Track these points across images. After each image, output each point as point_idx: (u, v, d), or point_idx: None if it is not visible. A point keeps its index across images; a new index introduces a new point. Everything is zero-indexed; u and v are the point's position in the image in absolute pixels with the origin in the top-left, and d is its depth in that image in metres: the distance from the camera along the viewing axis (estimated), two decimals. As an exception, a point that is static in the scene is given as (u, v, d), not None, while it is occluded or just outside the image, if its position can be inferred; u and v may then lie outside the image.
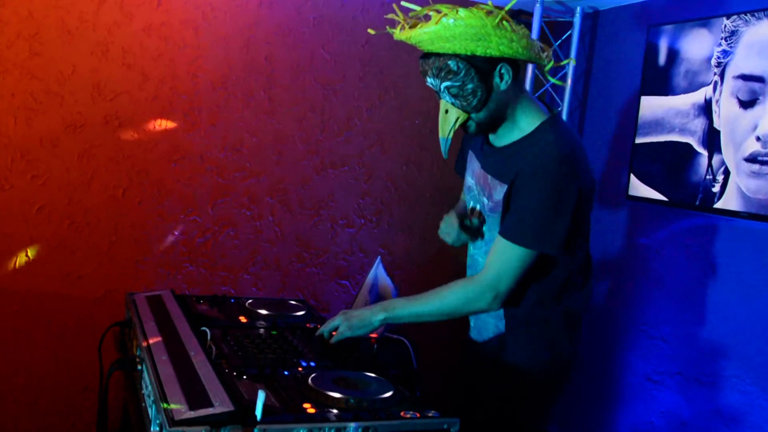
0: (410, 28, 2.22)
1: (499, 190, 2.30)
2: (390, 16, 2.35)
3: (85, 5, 3.30)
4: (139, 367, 2.24)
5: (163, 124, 3.49)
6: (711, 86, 3.18)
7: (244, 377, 2.03)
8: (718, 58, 3.15)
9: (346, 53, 3.83)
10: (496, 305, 2.29)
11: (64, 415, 3.47)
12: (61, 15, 3.27)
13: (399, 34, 2.28)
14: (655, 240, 3.50)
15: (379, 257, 2.85)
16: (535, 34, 3.85)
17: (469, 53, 2.14)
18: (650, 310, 3.51)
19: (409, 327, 2.49)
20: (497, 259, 2.26)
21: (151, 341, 2.25)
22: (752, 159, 2.97)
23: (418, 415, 1.91)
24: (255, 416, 1.72)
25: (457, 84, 2.19)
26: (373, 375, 2.14)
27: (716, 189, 3.12)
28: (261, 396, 1.74)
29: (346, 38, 3.82)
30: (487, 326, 2.54)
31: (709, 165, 3.16)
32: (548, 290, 2.38)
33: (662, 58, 3.46)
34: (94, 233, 3.42)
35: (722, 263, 3.17)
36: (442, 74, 2.20)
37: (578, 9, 3.89)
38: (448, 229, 2.60)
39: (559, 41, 4.06)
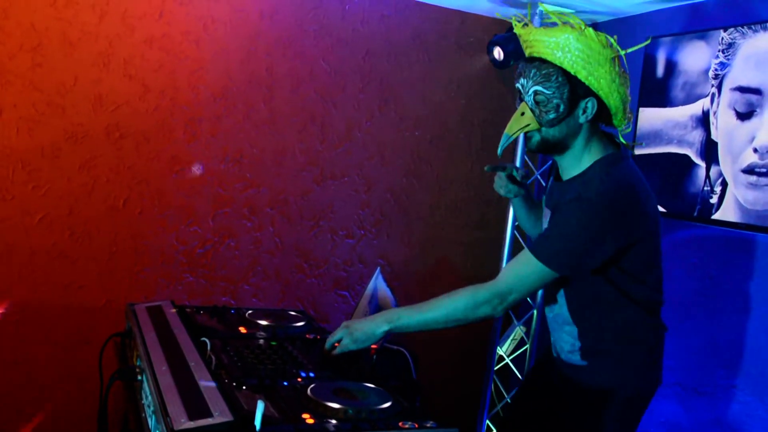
0: (534, 28, 2.28)
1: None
2: (518, 15, 2.42)
3: (87, 17, 3.32)
4: (140, 377, 2.25)
5: (164, 135, 3.51)
6: (708, 98, 3.20)
7: (244, 388, 2.04)
8: (716, 70, 3.17)
9: (346, 65, 3.85)
10: (500, 313, 2.30)
11: (64, 425, 3.47)
12: (63, 27, 3.29)
13: (520, 28, 2.33)
14: (654, 251, 3.51)
15: (378, 268, 2.86)
16: (534, 46, 3.87)
17: (573, 72, 2.19)
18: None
19: (409, 338, 2.50)
20: (514, 267, 2.29)
21: (151, 351, 2.26)
22: (749, 170, 2.98)
23: (417, 425, 1.92)
24: (254, 426, 1.73)
25: (548, 93, 2.22)
26: (372, 386, 2.15)
27: (714, 200, 3.13)
28: (260, 406, 1.75)
29: (347, 50, 3.85)
30: (563, 352, 2.53)
31: (707, 176, 3.18)
32: (628, 322, 2.41)
33: (660, 70, 3.48)
34: (95, 243, 3.44)
35: (720, 274, 3.18)
36: (538, 78, 2.23)
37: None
38: (501, 182, 2.69)
39: (558, 53, 4.07)
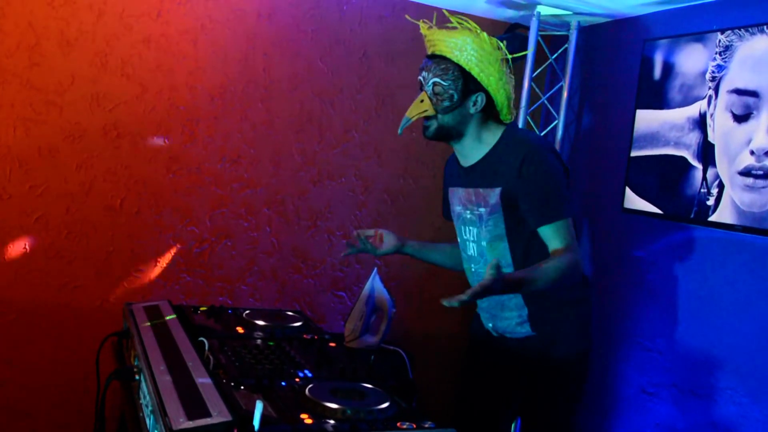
0: (439, 28, 2.64)
1: (493, 194, 2.60)
2: (423, 20, 2.76)
3: (84, 16, 3.32)
4: (137, 377, 2.26)
5: (161, 135, 3.51)
6: (705, 100, 3.21)
7: (242, 388, 2.04)
8: (713, 72, 3.18)
9: (343, 66, 3.86)
10: (581, 262, 2.52)
11: (61, 425, 3.47)
12: (60, 26, 3.29)
13: (425, 29, 2.69)
14: (650, 252, 3.52)
15: (375, 269, 2.87)
16: (531, 48, 3.88)
17: (467, 68, 2.55)
18: (645, 322, 3.52)
19: (405, 338, 2.51)
20: (557, 238, 2.48)
21: (149, 351, 2.26)
22: (746, 173, 2.99)
23: (415, 425, 1.92)
24: (253, 426, 1.73)
25: (444, 84, 2.57)
26: (369, 386, 2.15)
27: (711, 202, 3.14)
28: (259, 406, 1.75)
29: (344, 51, 3.85)
30: (510, 327, 2.75)
31: (704, 178, 3.18)
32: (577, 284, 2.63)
33: (657, 72, 3.49)
34: (92, 243, 3.44)
35: (717, 276, 3.19)
36: (438, 71, 2.58)
37: (574, 23, 3.92)
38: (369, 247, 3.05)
39: (555, 55, 4.08)
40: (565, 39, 4.02)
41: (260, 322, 2.77)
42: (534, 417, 2.73)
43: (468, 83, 2.57)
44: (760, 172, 2.92)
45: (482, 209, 2.65)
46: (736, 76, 3.07)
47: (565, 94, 3.98)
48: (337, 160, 3.89)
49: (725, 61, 3.13)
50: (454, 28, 2.60)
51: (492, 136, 2.66)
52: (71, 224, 3.39)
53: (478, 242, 2.71)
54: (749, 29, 3.02)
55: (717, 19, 3.25)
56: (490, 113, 2.66)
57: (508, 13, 3.98)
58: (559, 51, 4.07)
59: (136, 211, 3.50)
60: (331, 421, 1.88)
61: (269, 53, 3.69)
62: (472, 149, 2.68)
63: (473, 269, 2.79)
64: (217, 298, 3.68)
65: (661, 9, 3.55)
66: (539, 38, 3.94)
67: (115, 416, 3.14)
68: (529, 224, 2.54)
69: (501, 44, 2.56)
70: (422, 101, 2.64)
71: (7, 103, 3.23)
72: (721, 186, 3.10)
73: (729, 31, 3.12)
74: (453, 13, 2.73)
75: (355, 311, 2.72)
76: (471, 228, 2.75)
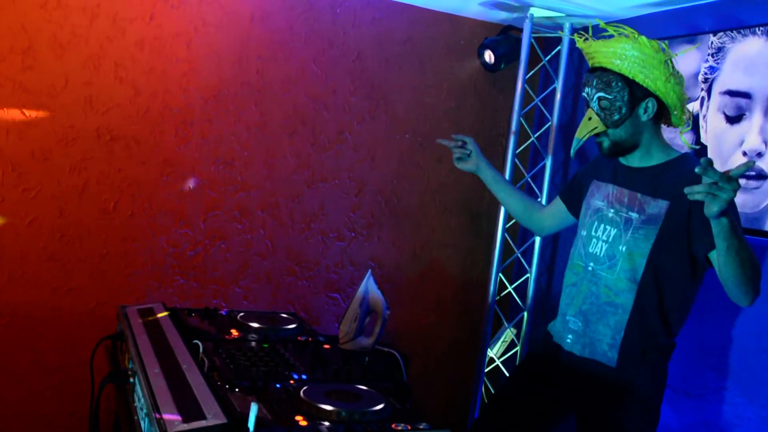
0: (594, 41, 2.53)
1: (655, 205, 2.47)
2: (579, 32, 2.65)
3: (77, 19, 3.32)
4: (132, 380, 2.25)
5: (154, 138, 3.50)
6: (698, 102, 3.22)
7: (237, 390, 2.04)
8: (705, 74, 3.19)
9: (337, 68, 3.86)
10: (747, 304, 2.40)
11: (55, 428, 3.46)
12: (53, 29, 3.28)
13: (581, 42, 2.57)
14: (644, 254, 3.52)
15: (369, 271, 2.87)
16: (524, 50, 3.89)
17: (631, 77, 2.43)
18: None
19: (399, 340, 2.51)
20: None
21: (143, 354, 2.25)
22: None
23: (410, 427, 1.92)
24: (248, 429, 1.73)
25: (610, 98, 2.47)
26: (364, 387, 2.15)
27: (703, 203, 3.15)
28: (254, 408, 1.75)
29: (337, 53, 3.85)
30: (600, 345, 2.58)
31: (697, 179, 3.19)
32: (669, 326, 2.56)
33: (650, 74, 3.49)
34: (85, 246, 3.43)
35: (710, 276, 3.19)
36: (601, 86, 2.48)
37: (567, 25, 3.93)
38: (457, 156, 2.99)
39: (549, 57, 4.10)
40: (558, 41, 4.03)
41: (255, 325, 2.76)
42: None
43: (634, 91, 2.44)
44: (753, 173, 2.94)
45: (633, 214, 2.51)
46: (729, 77, 3.08)
47: (558, 96, 3.99)
48: (331, 162, 3.89)
49: (718, 63, 3.14)
50: (611, 36, 2.49)
51: (661, 153, 2.53)
52: (64, 227, 3.38)
53: (614, 245, 2.55)
54: (741, 31, 3.04)
55: (709, 20, 3.26)
56: (662, 118, 2.54)
57: (501, 15, 3.99)
58: (552, 53, 4.08)
59: (129, 213, 3.49)
60: (326, 423, 1.88)
61: (263, 56, 3.69)
62: (638, 156, 2.56)
63: (590, 268, 2.61)
64: (211, 301, 3.68)
65: (654, 11, 3.56)
66: (532, 40, 3.95)
67: (109, 419, 3.14)
68: (699, 247, 2.40)
69: (664, 45, 2.43)
70: (590, 119, 2.54)
71: None
72: (713, 187, 3.11)
73: (721, 33, 3.13)
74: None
75: (349, 313, 2.72)
76: (609, 227, 2.59)
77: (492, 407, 2.91)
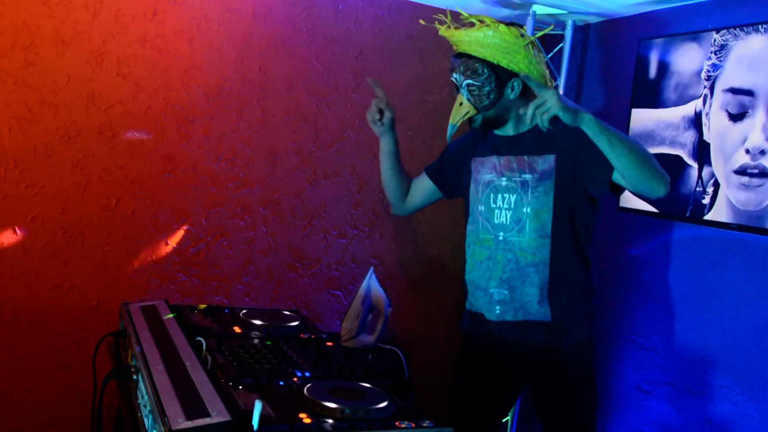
0: (455, 29, 2.67)
1: (543, 161, 2.65)
2: (439, 16, 2.78)
3: (80, 15, 3.31)
4: (135, 377, 2.25)
5: (156, 135, 3.50)
6: (701, 99, 3.22)
7: (240, 387, 2.04)
8: (708, 71, 3.19)
9: (339, 65, 3.86)
10: (666, 186, 2.43)
11: (57, 425, 3.46)
12: (55, 25, 3.28)
13: (444, 31, 2.71)
14: (646, 251, 3.53)
15: (371, 268, 2.87)
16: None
17: (495, 62, 2.60)
18: (641, 320, 3.53)
19: (401, 337, 2.51)
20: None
21: (146, 351, 2.25)
22: (741, 171, 3.00)
23: (413, 425, 1.92)
24: (252, 426, 1.73)
25: (477, 84, 2.63)
26: (367, 385, 2.16)
27: (706, 201, 3.15)
28: (258, 406, 1.75)
29: (340, 50, 3.85)
30: (530, 306, 2.69)
31: (699, 177, 3.19)
32: (587, 264, 2.71)
33: (653, 72, 3.49)
34: (87, 243, 3.43)
35: (712, 274, 3.20)
36: (468, 73, 2.63)
37: (569, 22, 3.92)
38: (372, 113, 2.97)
39: (551, 54, 4.09)
40: (560, 38, 4.03)
41: (257, 322, 2.77)
42: (555, 415, 2.75)
43: (500, 75, 2.62)
44: (756, 171, 2.94)
45: (527, 176, 2.67)
46: (732, 75, 3.08)
47: (560, 93, 3.98)
48: (333, 159, 3.88)
49: (720, 60, 3.14)
50: (472, 24, 2.62)
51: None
52: (66, 224, 3.38)
53: (517, 209, 2.68)
54: (744, 28, 3.03)
55: (712, 18, 3.26)
56: (527, 93, 2.69)
57: (503, 12, 3.99)
58: (555, 50, 4.07)
59: (131, 210, 3.49)
60: (330, 421, 1.88)
61: (265, 52, 3.68)
62: (515, 125, 2.74)
63: (501, 237, 2.73)
64: (213, 298, 3.68)
65: (657, 8, 3.55)
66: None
67: (111, 415, 3.14)
68: (601, 178, 2.53)
69: (522, 30, 2.58)
70: (461, 104, 2.70)
71: (2, 103, 3.22)
72: (716, 185, 3.11)
73: (724, 30, 3.13)
74: (444, 11, 2.75)
75: (351, 310, 2.72)
76: (507, 195, 2.71)
77: (459, 405, 3.00)
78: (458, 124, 2.76)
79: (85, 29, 3.33)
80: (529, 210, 2.66)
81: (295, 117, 3.78)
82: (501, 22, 2.58)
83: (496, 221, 2.75)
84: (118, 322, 2.94)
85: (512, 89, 2.65)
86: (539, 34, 2.66)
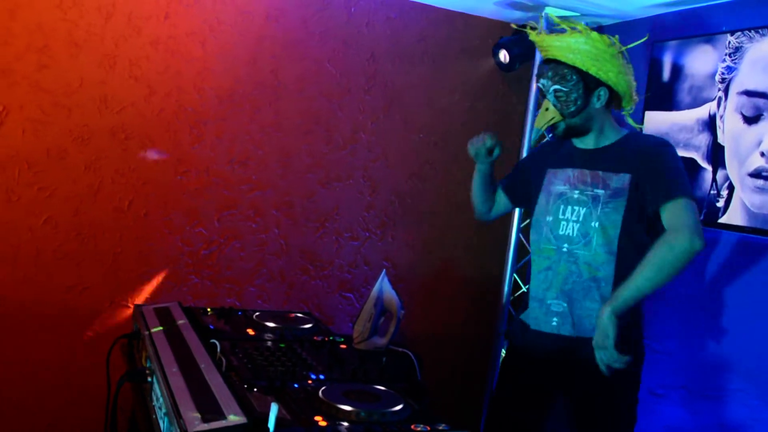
0: (545, 34, 2.68)
1: (618, 179, 2.62)
2: (531, 23, 2.85)
3: (93, 18, 3.32)
4: (150, 379, 2.25)
5: (169, 137, 3.51)
6: (715, 102, 3.20)
7: (255, 390, 2.04)
8: (723, 74, 3.18)
9: (351, 67, 3.85)
10: (700, 241, 2.43)
11: (70, 427, 3.47)
12: (69, 28, 3.29)
13: (535, 35, 2.72)
14: (659, 254, 3.51)
15: (384, 270, 2.86)
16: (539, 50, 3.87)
17: (584, 69, 2.59)
18: (655, 324, 3.52)
19: (413, 340, 2.50)
20: (678, 216, 2.48)
21: (161, 353, 2.25)
22: (756, 174, 2.99)
23: (429, 428, 1.91)
24: (268, 429, 1.73)
25: (565, 90, 2.61)
26: (382, 388, 2.15)
27: (720, 204, 3.13)
28: (274, 409, 1.74)
29: (352, 52, 3.85)
30: (589, 320, 2.66)
31: (714, 180, 3.18)
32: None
33: (666, 74, 3.48)
34: (100, 245, 3.43)
35: (726, 277, 3.18)
36: (557, 78, 2.62)
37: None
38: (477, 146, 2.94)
39: (563, 56, 4.08)
40: (572, 40, 4.01)
41: (271, 324, 2.76)
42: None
43: (588, 83, 2.61)
44: (766, 174, 2.92)
45: (599, 191, 2.65)
46: (747, 77, 3.07)
47: (573, 96, 3.97)
48: (345, 162, 3.88)
49: (735, 63, 3.12)
50: (563, 30, 2.63)
51: (614, 133, 2.71)
52: (79, 226, 3.39)
53: (585, 223, 2.66)
54: (759, 31, 3.02)
55: (727, 20, 3.25)
56: (612, 102, 2.70)
57: (515, 15, 3.98)
58: (567, 52, 4.06)
59: (144, 213, 3.50)
60: (345, 424, 1.87)
61: (277, 55, 3.68)
62: (592, 138, 2.73)
63: (565, 248, 2.70)
64: (226, 300, 3.68)
65: (670, 10, 3.54)
66: (547, 40, 3.93)
67: (124, 417, 3.14)
68: (650, 205, 2.54)
69: (614, 39, 2.58)
70: (547, 109, 2.68)
71: (15, 105, 3.23)
72: (731, 188, 3.09)
73: (739, 33, 3.11)
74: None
75: (363, 313, 2.71)
76: (577, 208, 2.69)
77: (493, 411, 2.98)
78: (543, 130, 2.76)
79: (98, 32, 3.34)
80: (597, 225, 2.64)
81: (308, 119, 3.78)
82: (593, 30, 2.58)
83: (561, 232, 2.72)
84: (130, 324, 2.94)
85: (598, 98, 2.63)
86: (632, 44, 2.69)
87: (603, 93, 2.63)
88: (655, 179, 2.54)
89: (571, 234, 2.70)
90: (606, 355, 2.43)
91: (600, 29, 4.01)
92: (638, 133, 2.73)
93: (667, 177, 2.53)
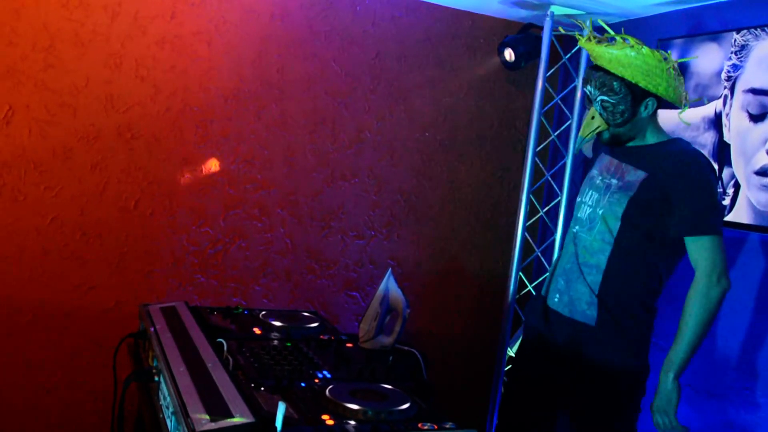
0: (597, 43, 2.62)
1: (634, 174, 2.62)
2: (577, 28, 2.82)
3: (98, 18, 3.33)
4: (157, 378, 2.25)
5: (175, 136, 3.51)
6: (721, 100, 3.20)
7: (262, 389, 2.04)
8: (728, 72, 3.17)
9: (356, 66, 3.85)
10: (726, 282, 2.54)
11: (76, 426, 3.47)
12: (74, 27, 3.29)
13: (585, 42, 2.68)
14: (665, 253, 3.50)
15: (390, 269, 2.86)
16: (545, 48, 3.87)
17: (634, 82, 2.54)
18: (661, 322, 3.50)
19: (418, 338, 2.50)
20: (707, 257, 2.52)
21: (168, 352, 2.25)
22: (762, 172, 2.98)
23: (436, 426, 1.92)
24: (275, 427, 1.73)
25: (612, 101, 2.58)
26: (389, 387, 2.15)
27: (727, 202, 3.13)
28: (281, 408, 1.75)
29: (357, 51, 3.85)
30: (579, 303, 2.69)
31: (720, 178, 3.17)
32: (647, 295, 2.67)
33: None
34: (106, 244, 3.44)
35: (733, 276, 3.16)
36: (604, 89, 2.58)
37: (588, 23, 3.90)
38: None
39: (569, 55, 4.08)
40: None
41: (277, 323, 2.77)
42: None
43: (636, 94, 2.57)
44: (775, 172, 2.92)
45: (614, 180, 2.67)
46: (753, 75, 3.06)
47: (578, 94, 3.97)
48: (351, 161, 3.88)
49: (741, 61, 3.11)
50: (612, 38, 2.60)
51: (655, 137, 2.68)
52: (85, 225, 3.39)
53: (594, 208, 2.70)
54: (765, 29, 3.01)
55: (732, 18, 3.24)
56: (660, 107, 2.68)
57: (521, 13, 3.98)
58: (573, 51, 4.06)
59: (150, 212, 3.50)
60: (352, 422, 1.88)
61: (282, 54, 3.69)
62: (641, 140, 2.69)
63: (575, 230, 2.77)
64: (231, 299, 3.68)
65: (676, 9, 3.54)
66: (552, 38, 3.93)
67: (131, 416, 3.15)
68: (673, 228, 2.54)
69: (666, 54, 2.53)
70: (593, 118, 2.66)
71: (21, 105, 3.24)
72: (737, 186, 3.09)
73: (745, 31, 3.11)
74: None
75: (369, 312, 2.71)
76: (594, 193, 2.73)
77: (508, 402, 3.04)
78: (588, 139, 2.74)
79: (104, 31, 3.35)
80: (601, 212, 2.66)
81: (313, 118, 3.78)
82: (644, 44, 2.54)
83: (579, 214, 2.78)
84: (137, 324, 2.94)
85: (646, 107, 2.60)
86: (681, 60, 2.70)
87: (651, 103, 2.59)
88: (686, 202, 2.51)
89: (582, 217, 2.75)
90: (666, 420, 2.53)
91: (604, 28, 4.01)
92: (681, 141, 2.68)
93: (699, 207, 2.50)
